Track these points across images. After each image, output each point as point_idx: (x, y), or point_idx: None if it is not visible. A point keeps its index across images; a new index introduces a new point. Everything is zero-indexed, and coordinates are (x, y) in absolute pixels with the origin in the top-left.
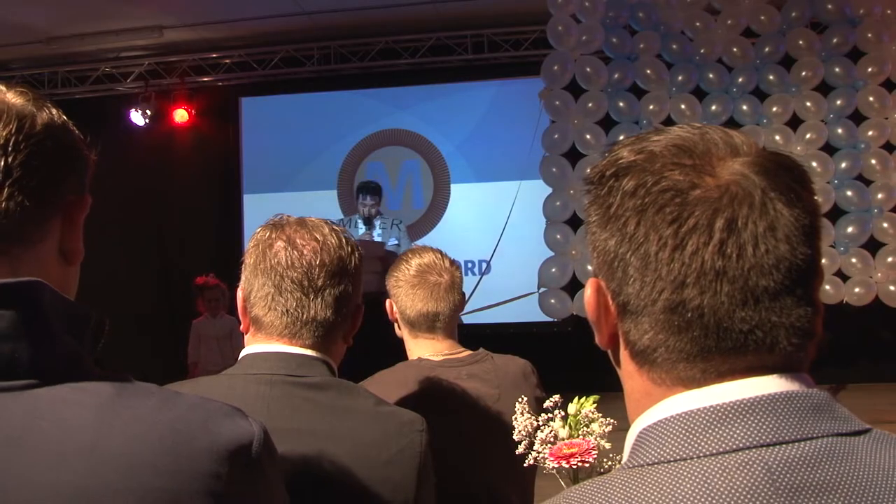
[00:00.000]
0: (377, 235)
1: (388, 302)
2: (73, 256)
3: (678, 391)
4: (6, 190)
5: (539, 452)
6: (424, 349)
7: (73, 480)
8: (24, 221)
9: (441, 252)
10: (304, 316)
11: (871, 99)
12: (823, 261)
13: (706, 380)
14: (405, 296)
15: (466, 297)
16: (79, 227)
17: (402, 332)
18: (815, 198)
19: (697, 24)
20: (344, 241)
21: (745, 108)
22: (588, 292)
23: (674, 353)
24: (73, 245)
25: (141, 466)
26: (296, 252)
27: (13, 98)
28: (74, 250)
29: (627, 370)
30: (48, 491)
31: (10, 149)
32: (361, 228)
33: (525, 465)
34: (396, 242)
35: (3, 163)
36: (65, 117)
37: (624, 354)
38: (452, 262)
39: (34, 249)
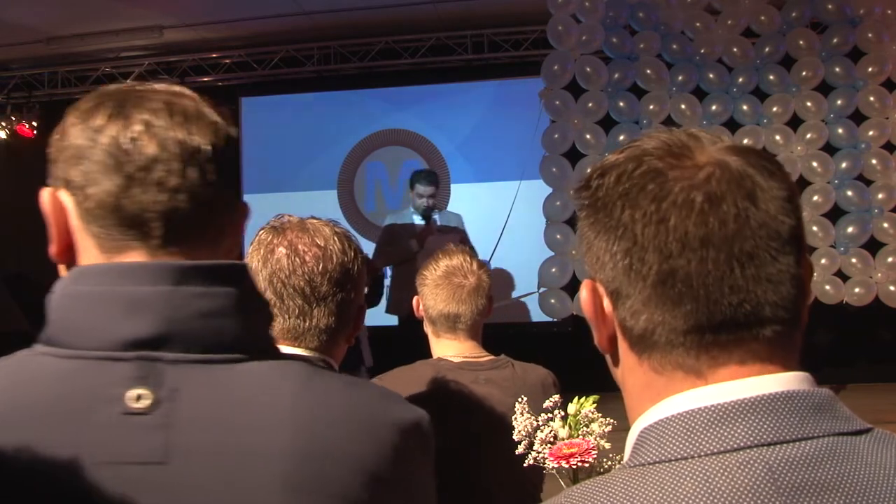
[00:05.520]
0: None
1: (415, 298)
2: (230, 255)
3: (678, 379)
4: (224, 194)
5: (539, 452)
6: (446, 349)
7: (292, 442)
8: (225, 222)
9: (471, 254)
10: (307, 324)
11: (871, 99)
12: (823, 261)
13: (701, 366)
14: (429, 294)
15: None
16: (241, 230)
17: (427, 329)
18: (791, 177)
19: (697, 24)
20: (346, 245)
21: (745, 108)
22: (584, 294)
23: (670, 332)
24: (235, 245)
25: (348, 432)
26: (298, 259)
27: (202, 106)
28: (234, 248)
29: (627, 364)
30: (271, 452)
31: (226, 156)
32: (407, 220)
33: (525, 465)
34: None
35: (225, 168)
36: None
37: (623, 348)
38: (482, 266)
39: (223, 246)
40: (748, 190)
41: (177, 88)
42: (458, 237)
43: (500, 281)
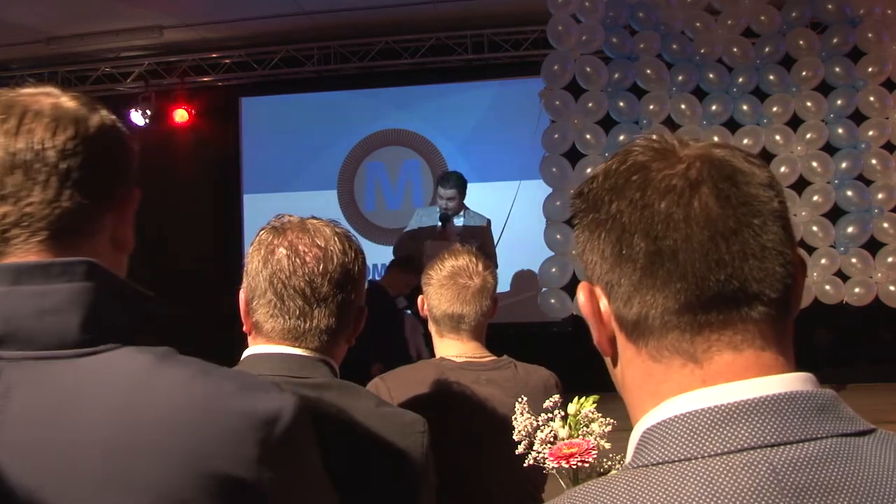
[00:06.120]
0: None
1: (420, 298)
2: (122, 245)
3: (675, 366)
4: (66, 192)
5: (539, 452)
6: (449, 348)
7: (111, 437)
8: (83, 218)
9: (477, 255)
10: (307, 325)
11: (871, 99)
12: (823, 261)
13: (696, 351)
14: (434, 294)
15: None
16: (128, 218)
17: (431, 329)
18: (772, 171)
19: (697, 24)
20: (347, 245)
21: (745, 108)
22: (581, 298)
23: (664, 313)
24: (123, 234)
25: (174, 427)
26: (298, 259)
27: (67, 102)
28: (124, 239)
29: (626, 357)
30: (89, 447)
31: (68, 153)
32: (429, 220)
33: (525, 465)
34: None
35: (63, 167)
36: (113, 116)
37: (621, 342)
38: (487, 267)
39: (92, 241)
40: (728, 174)
41: (43, 89)
42: (474, 243)
43: (500, 281)
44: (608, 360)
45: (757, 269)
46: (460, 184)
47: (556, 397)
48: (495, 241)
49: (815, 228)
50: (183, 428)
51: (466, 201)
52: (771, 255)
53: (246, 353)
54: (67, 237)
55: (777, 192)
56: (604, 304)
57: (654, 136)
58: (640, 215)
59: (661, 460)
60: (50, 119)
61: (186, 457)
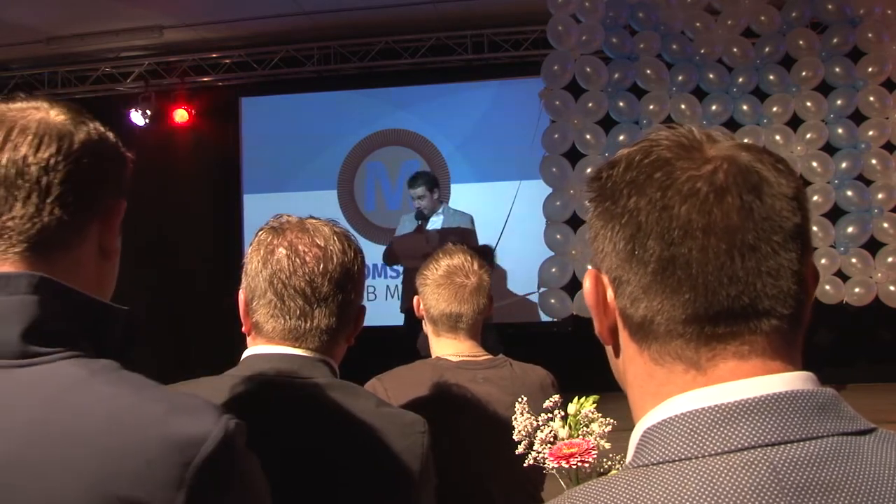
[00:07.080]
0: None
1: (415, 298)
2: (109, 254)
3: (678, 371)
4: (47, 206)
5: (539, 452)
6: (445, 348)
7: (17, 449)
8: (64, 231)
9: (472, 254)
10: (308, 325)
11: (871, 99)
12: (823, 261)
13: (700, 359)
14: (431, 294)
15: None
16: (114, 228)
17: (427, 329)
18: (799, 177)
19: (697, 24)
20: (346, 245)
21: (745, 108)
22: (587, 284)
23: (669, 321)
24: (109, 244)
25: (85, 444)
26: (298, 259)
27: (55, 116)
28: (110, 248)
29: (628, 354)
30: None
31: (50, 169)
32: (411, 223)
33: (525, 465)
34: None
35: (44, 182)
36: (102, 129)
37: (624, 338)
38: (482, 265)
39: (74, 252)
40: (754, 184)
41: (33, 103)
42: (454, 239)
43: (500, 280)
44: (609, 350)
45: (770, 286)
46: (428, 181)
47: (556, 397)
48: (496, 242)
49: (815, 228)
50: (94, 446)
51: (467, 201)
52: (786, 273)
53: (246, 354)
54: (46, 249)
55: (800, 203)
56: (609, 294)
57: (682, 130)
58: (658, 217)
59: (661, 460)
60: (34, 135)
61: (93, 476)
